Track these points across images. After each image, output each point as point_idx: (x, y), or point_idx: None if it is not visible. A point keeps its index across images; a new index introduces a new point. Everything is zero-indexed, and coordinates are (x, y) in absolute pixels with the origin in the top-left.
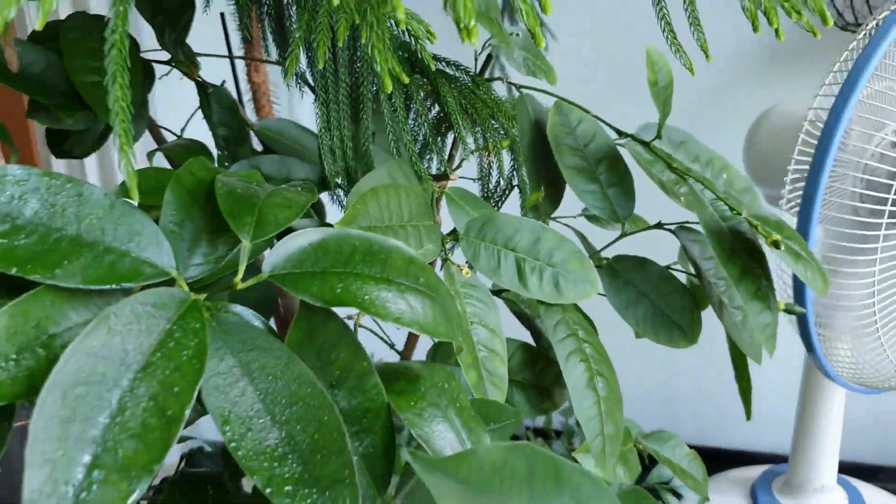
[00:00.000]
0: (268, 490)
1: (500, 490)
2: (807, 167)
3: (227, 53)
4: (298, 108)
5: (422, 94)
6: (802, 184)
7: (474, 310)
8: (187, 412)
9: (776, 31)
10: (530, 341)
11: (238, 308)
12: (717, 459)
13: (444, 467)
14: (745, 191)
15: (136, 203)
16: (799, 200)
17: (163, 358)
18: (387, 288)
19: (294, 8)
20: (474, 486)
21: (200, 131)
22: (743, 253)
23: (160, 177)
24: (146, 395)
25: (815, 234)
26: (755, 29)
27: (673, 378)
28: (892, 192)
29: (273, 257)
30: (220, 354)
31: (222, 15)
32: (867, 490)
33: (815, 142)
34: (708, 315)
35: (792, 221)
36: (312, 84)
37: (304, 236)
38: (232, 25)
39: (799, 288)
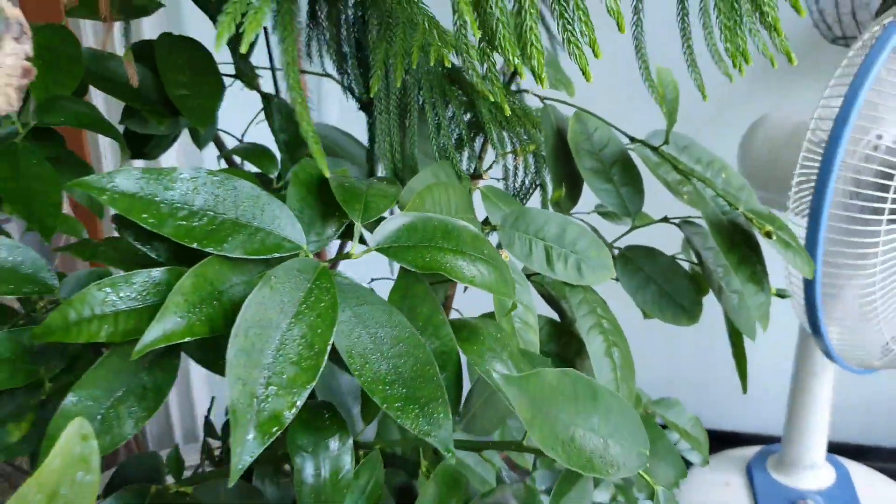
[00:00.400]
0: (384, 406)
1: (555, 403)
2: (811, 172)
3: (270, 66)
4: (326, 114)
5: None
6: (809, 185)
7: None
8: (328, 348)
9: (742, 67)
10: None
11: (349, 274)
12: (716, 440)
13: (518, 382)
14: (741, 188)
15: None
16: (806, 202)
17: (307, 308)
18: (462, 258)
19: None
20: (537, 399)
21: (257, 136)
22: (741, 243)
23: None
24: (299, 334)
25: (824, 234)
26: (735, 65)
27: (675, 363)
28: (892, 191)
29: (377, 236)
30: (342, 307)
31: (265, 30)
32: (854, 468)
33: (819, 150)
34: (709, 305)
35: (798, 223)
36: (354, 94)
37: (397, 220)
38: (272, 40)
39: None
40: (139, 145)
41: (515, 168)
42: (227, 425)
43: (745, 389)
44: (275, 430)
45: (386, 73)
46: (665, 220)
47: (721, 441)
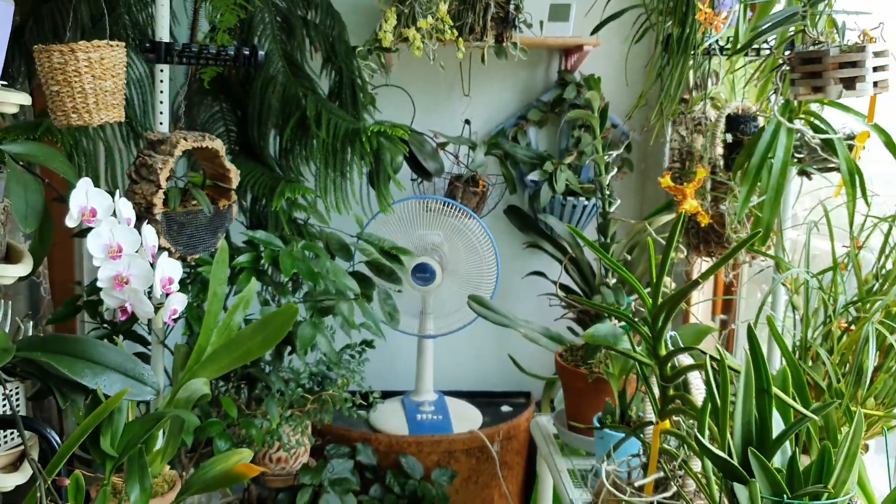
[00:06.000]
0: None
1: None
2: None
3: None
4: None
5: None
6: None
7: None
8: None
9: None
10: None
11: None
12: (390, 395)
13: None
14: (393, 246)
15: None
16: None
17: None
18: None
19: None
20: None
21: None
22: (389, 266)
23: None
24: None
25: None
26: (386, 213)
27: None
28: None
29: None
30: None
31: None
32: (447, 397)
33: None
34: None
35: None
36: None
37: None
38: None
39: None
40: None
41: None
42: None
43: (380, 335)
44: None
45: (267, 226)
46: (363, 262)
47: (394, 394)
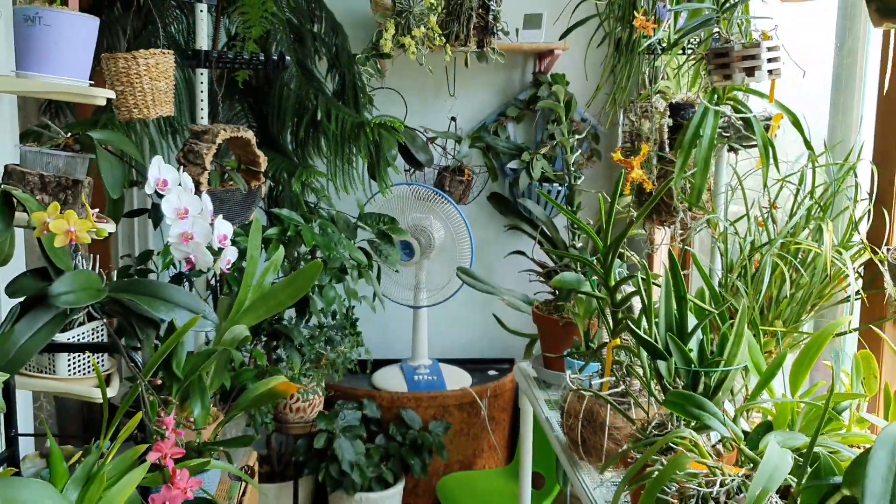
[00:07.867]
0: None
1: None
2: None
3: None
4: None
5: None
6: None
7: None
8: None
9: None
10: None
11: None
12: (389, 362)
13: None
14: (392, 221)
15: None
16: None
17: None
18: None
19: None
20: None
21: None
22: (383, 243)
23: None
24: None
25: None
26: (384, 193)
27: (387, 328)
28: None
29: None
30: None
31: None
32: (441, 363)
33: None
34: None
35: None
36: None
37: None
38: None
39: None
40: None
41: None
42: None
43: (383, 307)
44: None
45: (283, 207)
46: (364, 241)
47: (391, 362)
